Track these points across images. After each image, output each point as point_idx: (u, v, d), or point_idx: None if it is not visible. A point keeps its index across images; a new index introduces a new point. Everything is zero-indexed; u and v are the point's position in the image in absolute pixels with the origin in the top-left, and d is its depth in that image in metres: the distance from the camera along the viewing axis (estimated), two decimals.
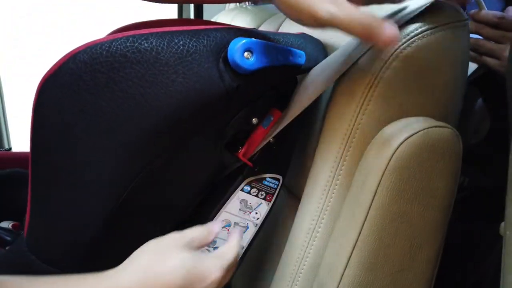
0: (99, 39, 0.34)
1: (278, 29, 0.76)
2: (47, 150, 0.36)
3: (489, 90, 0.59)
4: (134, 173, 0.37)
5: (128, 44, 0.34)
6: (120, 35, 0.34)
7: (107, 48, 0.33)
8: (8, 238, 0.59)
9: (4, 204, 0.67)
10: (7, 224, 0.61)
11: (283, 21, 0.75)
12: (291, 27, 0.67)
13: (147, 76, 0.34)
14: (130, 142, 0.35)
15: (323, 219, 0.40)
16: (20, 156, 0.73)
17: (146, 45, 0.34)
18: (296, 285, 0.41)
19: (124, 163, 0.36)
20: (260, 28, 0.88)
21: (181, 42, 0.35)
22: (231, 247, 0.39)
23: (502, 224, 0.36)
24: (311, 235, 0.40)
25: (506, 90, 0.50)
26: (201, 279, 0.34)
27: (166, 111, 0.35)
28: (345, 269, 0.37)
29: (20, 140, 1.36)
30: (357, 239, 0.36)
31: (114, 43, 0.33)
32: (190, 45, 0.35)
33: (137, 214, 0.41)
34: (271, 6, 1.08)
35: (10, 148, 0.78)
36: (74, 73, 0.33)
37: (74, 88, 0.33)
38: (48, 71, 0.34)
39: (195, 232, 0.39)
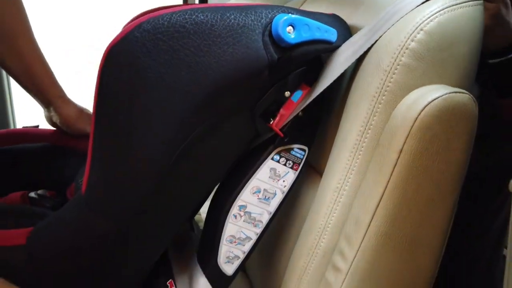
0: (161, 11, 0.38)
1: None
2: (110, 112, 0.40)
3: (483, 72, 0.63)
4: (185, 136, 0.42)
5: (186, 16, 0.38)
6: (178, 8, 0.38)
7: (168, 19, 0.38)
8: (48, 205, 0.63)
9: (37, 175, 0.71)
10: (43, 193, 0.65)
11: (303, 2, 0.78)
12: (314, 7, 0.71)
13: (202, 46, 0.38)
14: (185, 106, 0.40)
15: (349, 178, 0.44)
16: (48, 132, 0.77)
17: (202, 17, 0.38)
18: (324, 238, 0.45)
19: (177, 125, 0.40)
20: None
21: (232, 16, 0.39)
22: None
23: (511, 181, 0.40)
24: (338, 193, 0.45)
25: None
26: None
27: (217, 79, 0.39)
28: (371, 221, 0.41)
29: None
30: (383, 193, 0.40)
31: (174, 15, 0.38)
32: (240, 19, 0.40)
33: (183, 176, 0.45)
34: None
35: (38, 125, 0.82)
36: (138, 41, 0.38)
37: (138, 54, 0.38)
38: (114, 40, 0.38)
39: None
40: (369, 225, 0.41)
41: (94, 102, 0.40)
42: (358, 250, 0.42)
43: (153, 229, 0.48)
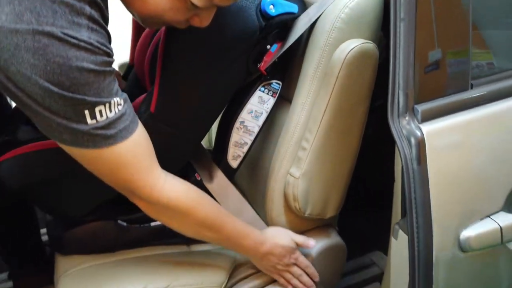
0: None
1: None
2: (173, 62, 0.68)
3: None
4: (216, 70, 0.70)
5: None
6: None
7: None
8: None
9: None
10: None
11: None
12: None
13: (223, 17, 0.66)
14: (217, 53, 0.68)
15: (309, 95, 0.75)
16: None
17: None
18: (295, 132, 0.77)
19: (214, 64, 0.69)
20: None
21: (239, 2, 0.67)
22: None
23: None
24: (303, 105, 0.76)
25: None
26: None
27: (233, 35, 0.68)
28: (322, 118, 0.72)
29: None
30: (328, 101, 0.71)
31: None
32: (244, 3, 0.68)
33: (213, 97, 0.74)
34: None
35: None
36: None
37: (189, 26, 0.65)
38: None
39: (300, 238, 0.79)
40: (321, 120, 0.73)
41: (160, 56, 0.67)
42: (315, 136, 0.73)
43: (196, 132, 0.77)
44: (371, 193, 1.04)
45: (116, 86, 0.56)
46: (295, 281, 0.79)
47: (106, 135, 0.56)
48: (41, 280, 1.15)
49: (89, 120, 0.54)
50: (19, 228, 1.11)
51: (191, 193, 0.69)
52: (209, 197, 0.73)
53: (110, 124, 0.55)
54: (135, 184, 0.62)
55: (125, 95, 0.59)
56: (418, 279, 0.48)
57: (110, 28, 0.58)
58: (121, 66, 1.45)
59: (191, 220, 0.68)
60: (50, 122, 0.53)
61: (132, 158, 0.60)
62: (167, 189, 0.65)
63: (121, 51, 1.62)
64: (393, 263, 0.63)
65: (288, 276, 0.79)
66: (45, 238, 1.31)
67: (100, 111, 0.54)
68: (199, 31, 0.66)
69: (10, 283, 1.16)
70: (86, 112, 0.53)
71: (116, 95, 0.56)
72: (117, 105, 0.55)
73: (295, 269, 0.78)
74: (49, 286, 1.15)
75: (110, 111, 0.55)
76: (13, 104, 1.15)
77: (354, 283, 1.10)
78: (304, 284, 0.79)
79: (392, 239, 0.63)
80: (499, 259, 0.54)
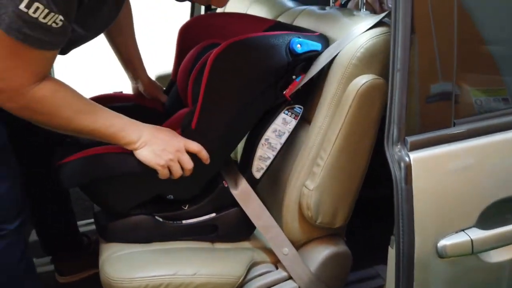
0: (239, 37, 0.79)
1: (293, 21, 1.19)
2: (213, 86, 0.82)
3: None
4: (249, 97, 0.84)
5: (252, 40, 0.79)
6: (249, 35, 0.80)
7: (247, 42, 0.79)
8: None
9: None
10: None
11: (297, 16, 1.18)
12: (303, 21, 1.11)
13: (259, 53, 0.80)
14: (250, 83, 0.82)
15: (325, 120, 0.87)
16: (130, 96, 1.17)
17: (261, 39, 0.80)
18: (311, 151, 0.89)
19: (246, 92, 0.83)
20: (278, 19, 1.30)
21: (272, 40, 0.81)
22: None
23: None
24: (320, 128, 0.88)
25: None
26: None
27: (266, 68, 0.82)
28: (335, 140, 0.84)
29: None
30: (341, 127, 0.83)
31: (248, 39, 0.79)
32: (275, 41, 0.82)
33: (244, 118, 0.87)
34: None
35: (122, 91, 1.21)
36: (230, 52, 0.79)
37: (230, 59, 0.79)
38: (215, 53, 0.79)
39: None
40: (334, 142, 0.85)
41: (204, 81, 0.82)
42: (329, 155, 0.85)
43: (227, 147, 0.91)
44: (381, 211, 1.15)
45: (70, 11, 0.57)
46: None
47: (20, 31, 0.55)
48: (77, 265, 1.31)
49: (22, 5, 0.53)
50: (58, 220, 1.27)
51: (63, 87, 0.72)
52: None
53: (33, 25, 0.54)
54: (12, 80, 0.61)
55: (69, 28, 0.60)
56: (402, 277, 0.58)
57: (151, 43, 0.72)
58: (158, 78, 1.61)
59: (68, 109, 0.73)
60: None
61: (25, 62, 0.59)
62: (43, 85, 0.65)
63: (159, 64, 1.80)
64: (389, 269, 0.74)
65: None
66: (82, 229, 1.46)
67: (37, 8, 0.53)
68: (238, 64, 0.80)
69: (52, 266, 1.32)
70: None
71: (63, 14, 0.56)
72: (54, 21, 0.55)
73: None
74: (86, 270, 1.30)
75: (44, 18, 0.54)
76: None
77: None
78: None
79: (389, 248, 0.74)
80: (469, 266, 0.65)
